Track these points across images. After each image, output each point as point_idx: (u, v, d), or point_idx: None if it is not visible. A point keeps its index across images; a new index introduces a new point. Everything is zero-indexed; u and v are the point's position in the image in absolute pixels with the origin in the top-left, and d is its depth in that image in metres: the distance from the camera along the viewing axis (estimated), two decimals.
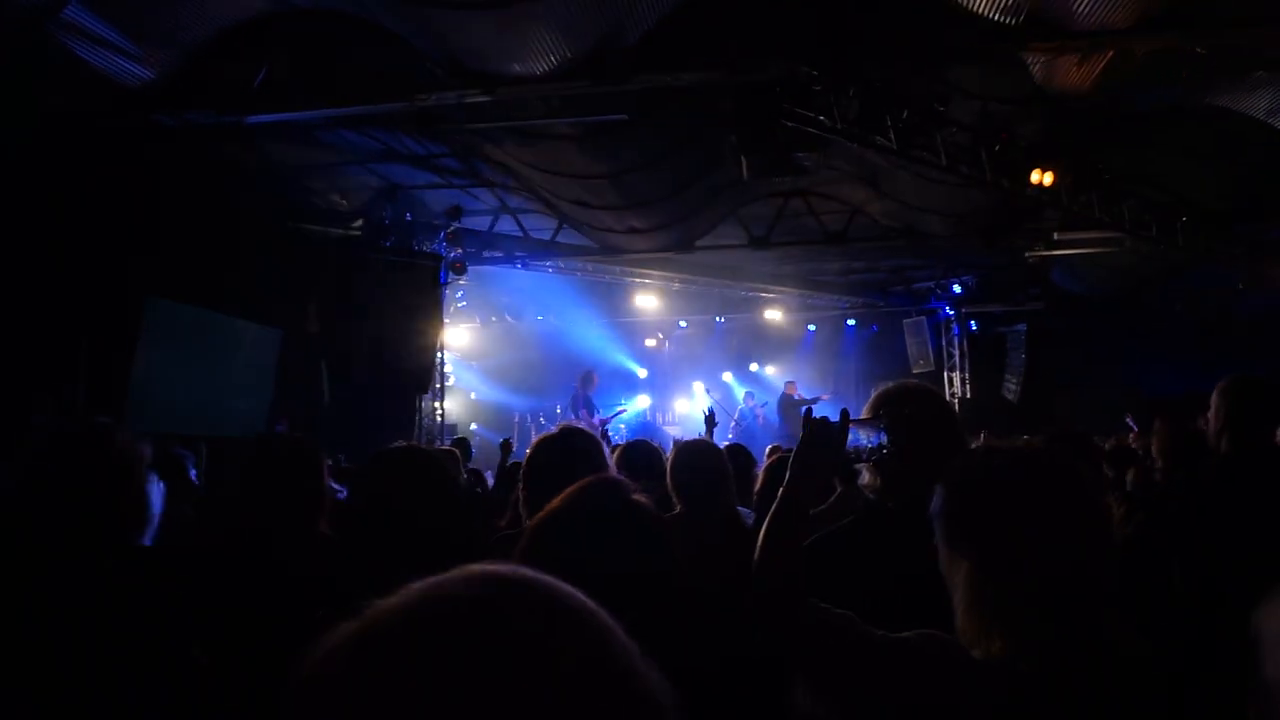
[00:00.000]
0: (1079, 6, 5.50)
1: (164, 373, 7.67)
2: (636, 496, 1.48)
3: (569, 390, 16.24)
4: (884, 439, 1.74)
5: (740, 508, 3.62)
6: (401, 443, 2.79)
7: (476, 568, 0.64)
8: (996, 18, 5.94)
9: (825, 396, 14.58)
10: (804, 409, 1.98)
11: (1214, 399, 3.07)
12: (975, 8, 5.95)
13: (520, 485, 2.71)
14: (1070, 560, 1.35)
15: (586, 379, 14.03)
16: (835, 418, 1.72)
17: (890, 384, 2.15)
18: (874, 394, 2.12)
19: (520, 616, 0.59)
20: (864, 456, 1.79)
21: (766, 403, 16.11)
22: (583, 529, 1.37)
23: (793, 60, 6.36)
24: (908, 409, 1.97)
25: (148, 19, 6.37)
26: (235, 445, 8.13)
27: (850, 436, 1.72)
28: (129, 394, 7.24)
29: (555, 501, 1.44)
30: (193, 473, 5.25)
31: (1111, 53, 6.17)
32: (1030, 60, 6.43)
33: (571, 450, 2.57)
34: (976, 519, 1.41)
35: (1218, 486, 3.06)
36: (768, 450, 6.75)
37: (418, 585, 0.62)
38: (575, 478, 2.55)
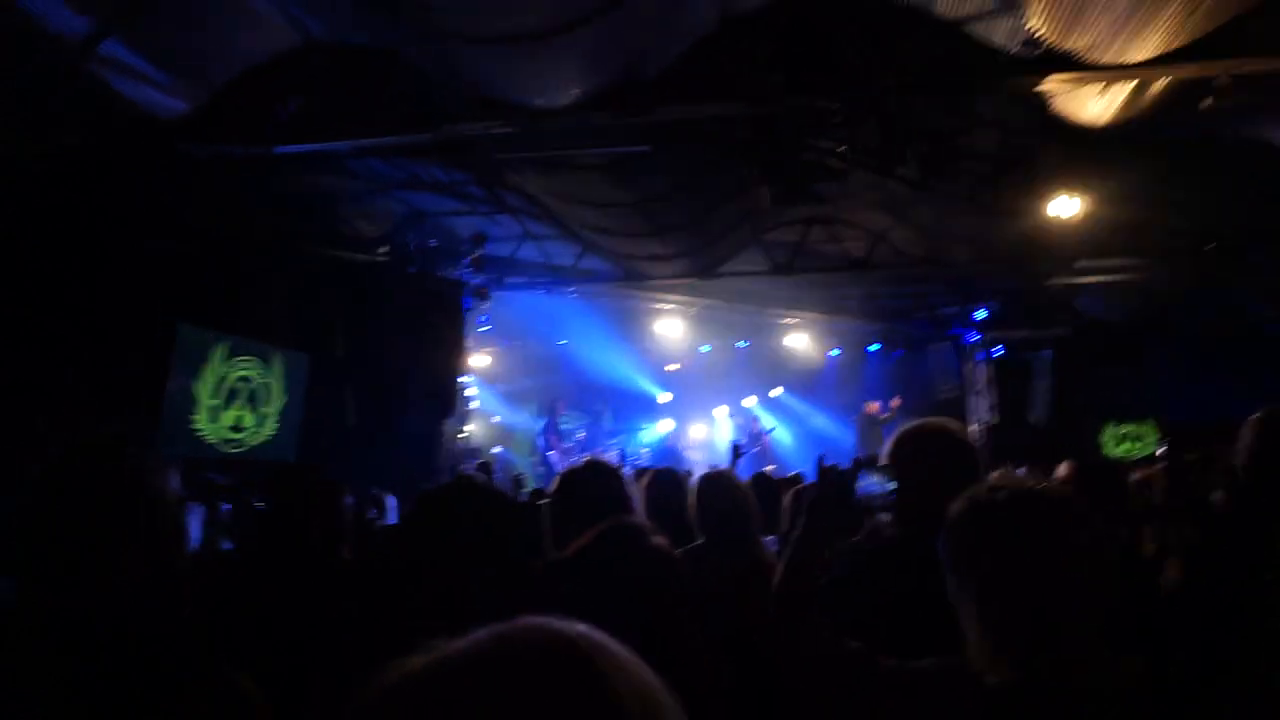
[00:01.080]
0: (1099, 39, 5.53)
1: (195, 399, 7.82)
2: (656, 540, 1.53)
3: (592, 413, 16.36)
4: (892, 486, 1.79)
5: (769, 536, 3.64)
6: (460, 473, 2.85)
7: (540, 623, 0.68)
8: (1016, 50, 5.98)
9: (897, 402, 14.59)
10: (819, 455, 2.03)
11: (1243, 433, 3.05)
12: (995, 39, 6.00)
13: (547, 515, 2.77)
14: (1065, 593, 1.40)
15: (553, 406, 14.28)
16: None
17: (909, 424, 2.19)
18: (894, 433, 2.17)
19: (584, 681, 0.63)
20: (875, 504, 1.84)
21: (772, 429, 16.08)
22: (602, 573, 1.42)
23: (812, 92, 6.42)
24: (923, 451, 2.02)
25: (180, 53, 6.56)
26: (266, 471, 8.30)
27: (863, 483, 1.77)
28: (160, 420, 7.38)
29: (578, 544, 1.49)
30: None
31: (1132, 84, 6.18)
32: (1051, 91, 6.45)
33: (596, 484, 2.62)
34: (977, 553, 1.48)
35: (1242, 523, 3.04)
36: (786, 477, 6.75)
37: (487, 633, 0.66)
38: (600, 510, 2.62)
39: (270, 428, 8.77)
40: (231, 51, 6.63)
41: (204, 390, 7.92)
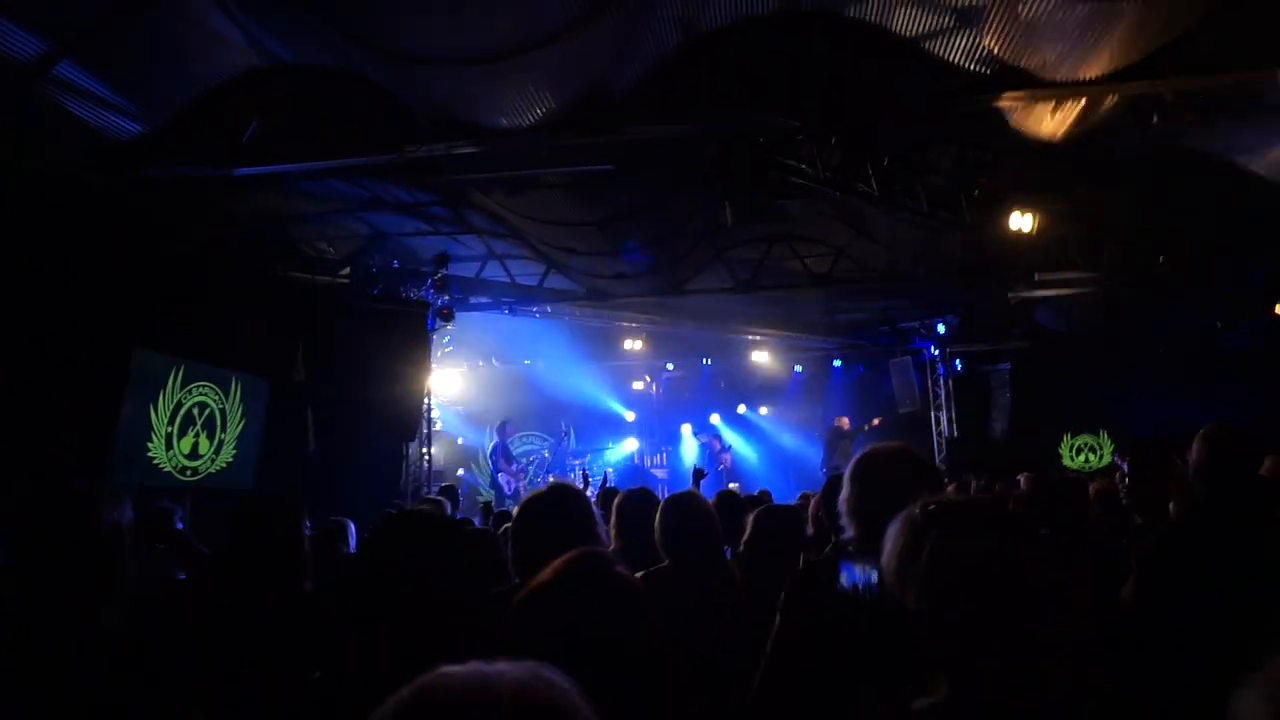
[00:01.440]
0: (1051, 57, 5.66)
1: (150, 426, 7.63)
2: (620, 570, 1.50)
3: (555, 434, 16.28)
4: (875, 577, 1.68)
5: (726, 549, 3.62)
6: (408, 505, 2.80)
7: (507, 669, 0.68)
8: (972, 68, 6.10)
9: (875, 423, 14.63)
10: (802, 558, 1.96)
11: (1194, 446, 3.13)
12: (951, 58, 6.11)
13: (509, 544, 2.72)
14: (1003, 611, 1.37)
15: (502, 428, 14.26)
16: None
17: (867, 448, 2.20)
18: (854, 458, 2.17)
19: None
20: (860, 602, 1.72)
21: (730, 447, 16.14)
22: (566, 605, 1.39)
23: (774, 111, 6.49)
24: (882, 473, 2.03)
25: (139, 75, 6.44)
26: (223, 499, 8.11)
27: (845, 574, 1.71)
28: (114, 447, 7.19)
29: (542, 575, 1.46)
30: (180, 525, 5.20)
31: (1084, 100, 6.33)
32: (1006, 108, 6.59)
33: (559, 509, 2.59)
34: (911, 571, 1.44)
35: (1195, 534, 3.10)
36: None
37: (464, 673, 0.70)
38: (564, 535, 2.57)
39: (228, 454, 8.58)
40: (191, 73, 6.53)
41: (160, 416, 7.73)
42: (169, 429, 7.82)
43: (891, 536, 1.50)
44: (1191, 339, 13.52)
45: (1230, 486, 3.06)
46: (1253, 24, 5.50)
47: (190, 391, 8.10)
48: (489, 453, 15.04)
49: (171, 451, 7.85)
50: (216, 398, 8.44)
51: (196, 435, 8.15)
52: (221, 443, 8.49)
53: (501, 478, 13.83)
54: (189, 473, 8.06)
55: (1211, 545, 2.97)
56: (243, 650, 2.25)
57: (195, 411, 8.15)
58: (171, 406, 7.86)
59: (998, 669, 1.35)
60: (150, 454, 7.61)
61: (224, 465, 8.50)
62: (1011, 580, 1.38)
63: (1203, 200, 8.63)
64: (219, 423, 8.45)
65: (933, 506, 1.49)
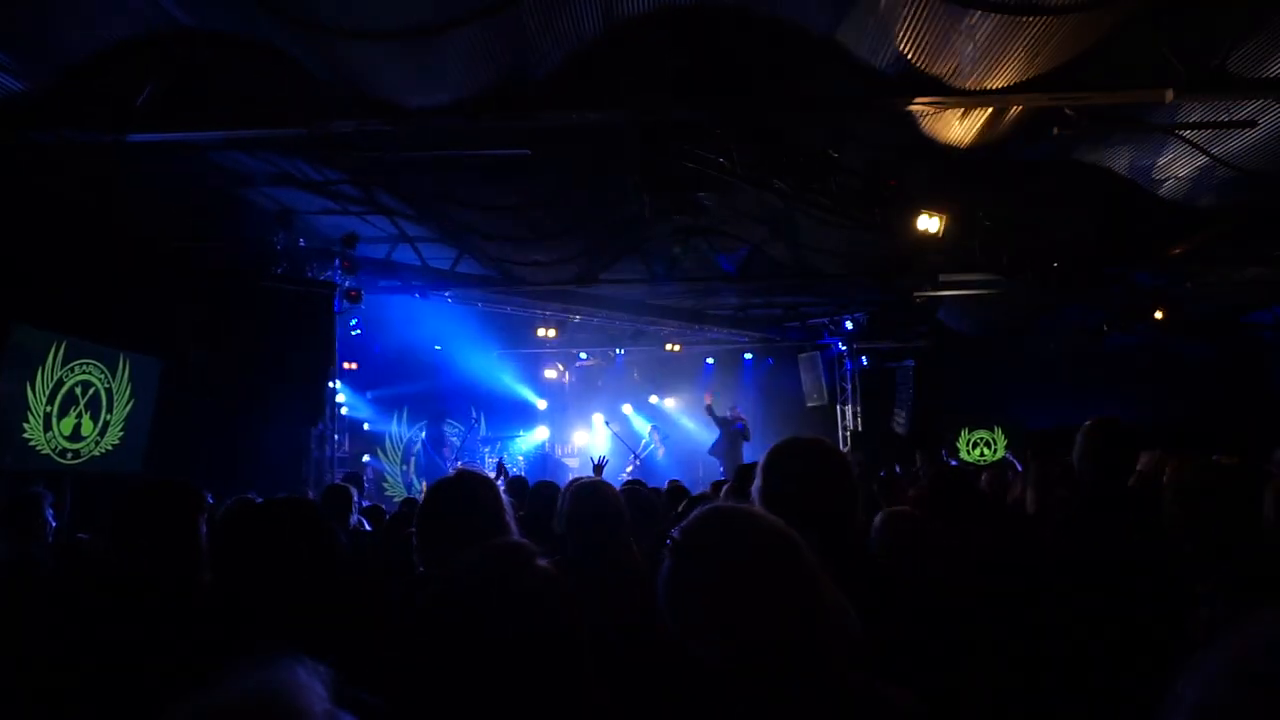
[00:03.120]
0: (963, 65, 5.84)
1: (27, 405, 7.16)
2: (539, 563, 1.46)
3: (466, 421, 16.05)
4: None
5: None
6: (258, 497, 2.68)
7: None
8: (886, 71, 6.24)
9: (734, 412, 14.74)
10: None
11: (1077, 441, 3.29)
12: (868, 60, 6.24)
13: (414, 530, 2.65)
14: (766, 619, 1.35)
15: (435, 417, 14.22)
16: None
17: (783, 440, 2.22)
18: (769, 450, 2.19)
19: None
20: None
21: (667, 436, 16.26)
22: (483, 599, 1.35)
23: (692, 105, 6.51)
24: (796, 465, 2.06)
25: (23, 32, 6.02)
26: (108, 483, 7.68)
27: None
28: None
29: (456, 567, 1.41)
30: (49, 513, 4.92)
31: (990, 109, 6.56)
32: (916, 112, 6.77)
33: (467, 496, 2.53)
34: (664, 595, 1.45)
35: (1078, 524, 3.27)
36: (668, 485, 6.81)
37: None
38: (470, 524, 2.52)
39: (114, 436, 8.13)
40: (82, 31, 6.12)
41: (38, 395, 7.26)
42: (48, 409, 7.36)
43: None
44: (1081, 339, 14.25)
45: (1109, 478, 3.22)
46: (1146, 47, 5.80)
47: (73, 369, 7.63)
48: (424, 444, 14.79)
49: (50, 433, 7.40)
50: (102, 376, 7.98)
51: (79, 416, 7.70)
52: (107, 424, 8.04)
53: (447, 467, 13.67)
54: (70, 455, 7.61)
55: (1089, 536, 3.13)
56: (131, 654, 2.12)
57: (78, 390, 7.69)
58: (51, 385, 7.39)
59: (756, 680, 1.34)
60: (26, 435, 7.15)
61: (109, 448, 8.05)
62: (757, 593, 1.37)
63: (1094, 208, 9.07)
64: (104, 403, 8.00)
65: (677, 534, 1.47)
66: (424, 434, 14.43)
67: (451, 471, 2.72)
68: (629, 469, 14.92)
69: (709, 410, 14.76)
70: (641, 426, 17.22)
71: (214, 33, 6.31)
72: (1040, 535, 3.71)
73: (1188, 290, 11.95)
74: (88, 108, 6.64)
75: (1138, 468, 5.98)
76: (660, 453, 15.89)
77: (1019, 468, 8.51)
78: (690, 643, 1.40)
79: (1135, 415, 13.00)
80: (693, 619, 1.40)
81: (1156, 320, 12.45)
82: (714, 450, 14.61)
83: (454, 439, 15.63)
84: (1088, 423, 3.33)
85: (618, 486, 3.97)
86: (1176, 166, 7.93)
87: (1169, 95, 5.92)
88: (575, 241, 10.55)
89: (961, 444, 15.43)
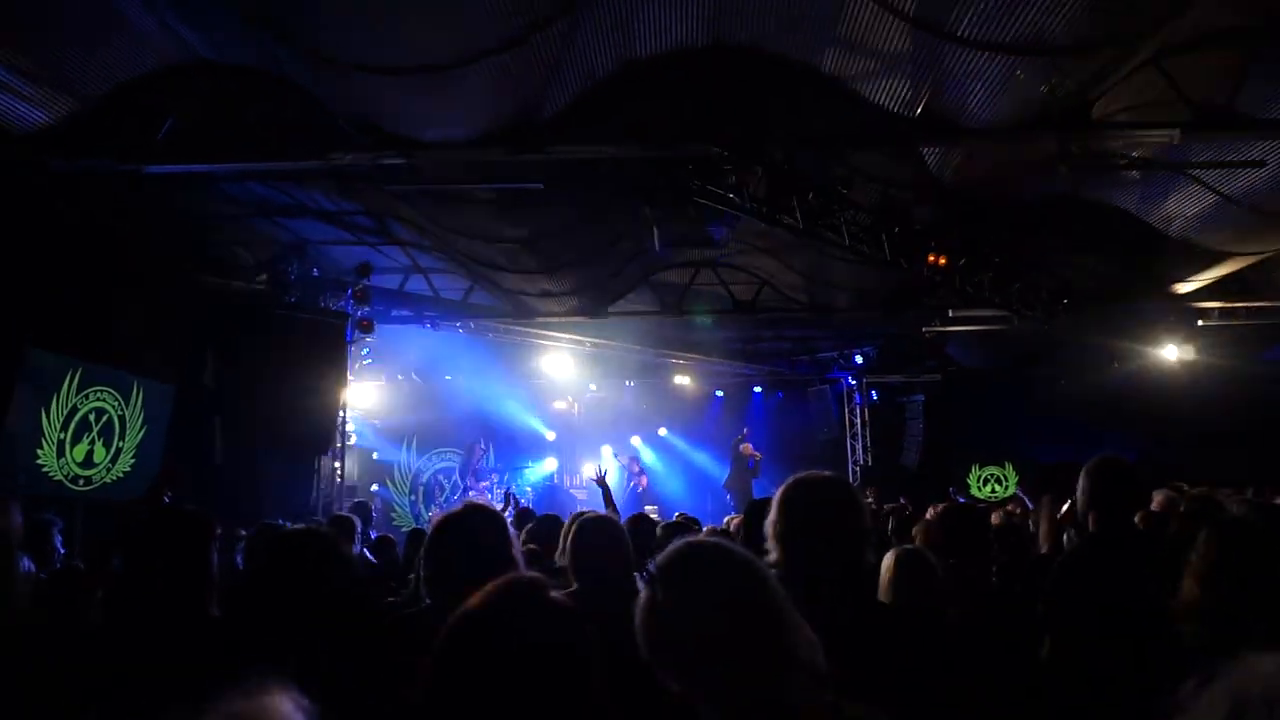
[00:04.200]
0: (970, 105, 5.90)
1: (41, 431, 7.21)
2: (555, 595, 1.47)
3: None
4: None
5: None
6: (287, 523, 2.70)
7: None
8: (896, 109, 6.31)
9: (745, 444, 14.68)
10: None
11: (1080, 480, 3.26)
12: (876, 99, 6.31)
13: (421, 562, 2.65)
14: (730, 653, 1.37)
15: (470, 449, 14.16)
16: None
17: (798, 474, 2.22)
18: (783, 485, 2.20)
19: None
20: None
21: (645, 470, 16.15)
22: (503, 636, 1.36)
23: (704, 140, 6.58)
24: (811, 502, 2.07)
25: (48, 64, 6.16)
26: (119, 510, 7.70)
27: None
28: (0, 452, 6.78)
29: (472, 603, 1.42)
30: (58, 539, 4.94)
31: (999, 148, 6.61)
32: (926, 151, 6.83)
33: (475, 530, 2.54)
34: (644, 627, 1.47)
35: (1082, 565, 3.23)
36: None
37: None
38: (477, 559, 2.53)
39: (125, 463, 8.16)
40: (103, 64, 6.26)
41: (52, 421, 7.31)
42: (61, 435, 7.41)
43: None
44: (1092, 374, 14.19)
45: (1113, 519, 3.18)
46: (1153, 87, 5.85)
47: (87, 396, 7.69)
48: (459, 471, 14.79)
49: (63, 459, 7.44)
50: (115, 403, 8.04)
51: (92, 442, 7.74)
52: (119, 451, 8.08)
53: (472, 494, 13.63)
54: (81, 482, 7.64)
55: (1096, 578, 3.09)
56: (138, 685, 2.13)
57: (91, 417, 7.74)
58: (66, 411, 7.45)
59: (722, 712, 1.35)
60: (40, 461, 7.19)
61: (121, 475, 8.08)
62: (724, 627, 1.39)
63: (1104, 244, 9.09)
64: (117, 430, 8.04)
65: (657, 565, 1.50)
66: (460, 462, 14.41)
67: (459, 504, 2.73)
68: (630, 489, 14.91)
69: (734, 447, 14.73)
70: (651, 460, 17.13)
71: (233, 66, 6.44)
72: (1049, 575, 3.68)
73: (1199, 327, 11.93)
74: (108, 139, 6.77)
75: (1152, 507, 5.94)
76: (642, 484, 15.76)
77: (1029, 504, 8.45)
78: (659, 672, 1.42)
79: (1146, 450, 12.96)
80: (662, 650, 1.43)
81: (1167, 357, 12.41)
82: (728, 484, 14.57)
83: (484, 466, 15.57)
84: (1090, 462, 3.30)
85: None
86: (1186, 204, 7.95)
87: (1176, 136, 5.97)
88: (586, 273, 10.62)
89: (972, 480, 15.33)
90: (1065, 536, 4.71)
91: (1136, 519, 3.31)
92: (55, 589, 3.52)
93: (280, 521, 5.66)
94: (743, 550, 1.52)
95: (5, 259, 6.80)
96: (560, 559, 3.47)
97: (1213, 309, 11.30)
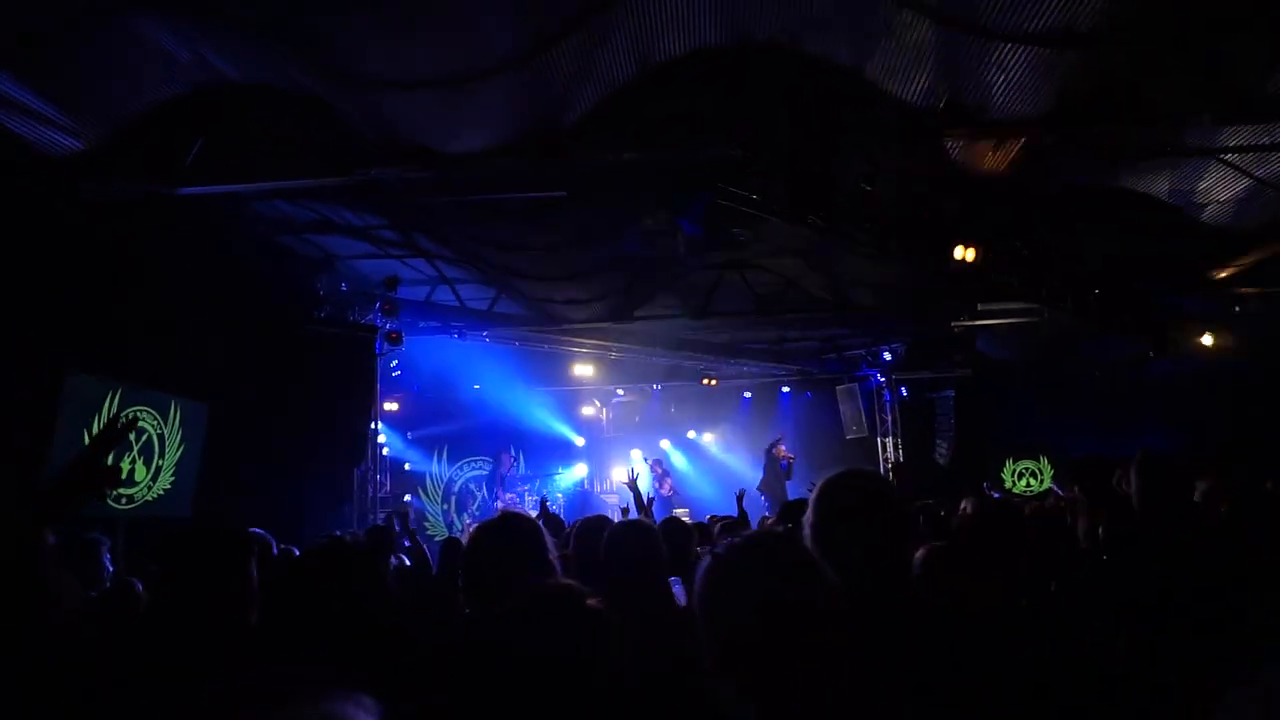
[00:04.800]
0: (994, 97, 5.84)
1: None
2: (591, 603, 1.48)
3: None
4: None
5: (675, 580, 3.60)
6: (327, 537, 2.72)
7: None
8: (919, 103, 6.27)
9: (780, 448, 14.62)
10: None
11: (1131, 475, 3.25)
12: (898, 94, 6.27)
13: (461, 573, 2.68)
14: (784, 653, 1.37)
15: (499, 458, 14.21)
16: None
17: (834, 473, 2.21)
18: (817, 485, 2.18)
19: None
20: None
21: (670, 472, 16.09)
22: (537, 641, 1.37)
23: (726, 141, 6.58)
24: (847, 500, 2.06)
25: (81, 91, 6.29)
26: (158, 527, 7.82)
27: None
28: (46, 474, 6.90)
29: (510, 610, 1.43)
30: (106, 558, 5.01)
31: (1024, 139, 6.54)
32: (950, 144, 6.78)
33: (512, 539, 2.56)
34: (702, 613, 1.46)
35: (1140, 558, 3.21)
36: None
37: None
38: (516, 564, 2.54)
39: (165, 481, 8.30)
40: (134, 90, 6.38)
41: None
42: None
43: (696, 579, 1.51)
44: (1126, 367, 13.97)
45: (1166, 511, 3.18)
46: (1184, 72, 5.76)
47: (127, 415, 7.83)
48: (486, 479, 14.87)
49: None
50: (155, 422, 8.18)
51: (133, 462, 7.88)
52: (159, 469, 8.22)
53: (497, 505, 13.70)
54: (124, 500, 7.78)
55: (1151, 569, 3.07)
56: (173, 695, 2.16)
57: (132, 436, 7.88)
58: None
59: (784, 709, 1.35)
60: None
61: (161, 493, 8.22)
62: (791, 622, 1.38)
63: (1135, 234, 8.95)
64: (156, 448, 8.18)
65: (720, 550, 1.49)
66: (488, 471, 14.48)
67: (496, 512, 2.76)
68: (657, 492, 14.87)
69: (768, 451, 14.66)
70: (681, 463, 17.10)
71: (258, 85, 6.53)
72: (1090, 570, 3.64)
73: (1236, 314, 11.70)
74: (140, 163, 6.90)
75: (1194, 497, 5.85)
76: (666, 487, 15.69)
77: (1060, 493, 8.33)
78: (706, 662, 1.41)
79: (1184, 441, 12.73)
80: (713, 636, 1.42)
81: (1204, 345, 12.19)
82: (762, 486, 14.52)
83: (514, 474, 15.63)
84: (1136, 456, 3.29)
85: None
86: (1219, 190, 7.82)
87: (1207, 120, 5.87)
88: (611, 279, 10.64)
89: (1006, 474, 15.15)
90: (1100, 531, 4.65)
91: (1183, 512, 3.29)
92: (108, 607, 3.58)
93: (339, 533, 5.73)
94: (803, 546, 1.51)
95: (43, 286, 6.93)
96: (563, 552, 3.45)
97: (1250, 295, 11.08)
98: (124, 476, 7.79)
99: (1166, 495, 3.20)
